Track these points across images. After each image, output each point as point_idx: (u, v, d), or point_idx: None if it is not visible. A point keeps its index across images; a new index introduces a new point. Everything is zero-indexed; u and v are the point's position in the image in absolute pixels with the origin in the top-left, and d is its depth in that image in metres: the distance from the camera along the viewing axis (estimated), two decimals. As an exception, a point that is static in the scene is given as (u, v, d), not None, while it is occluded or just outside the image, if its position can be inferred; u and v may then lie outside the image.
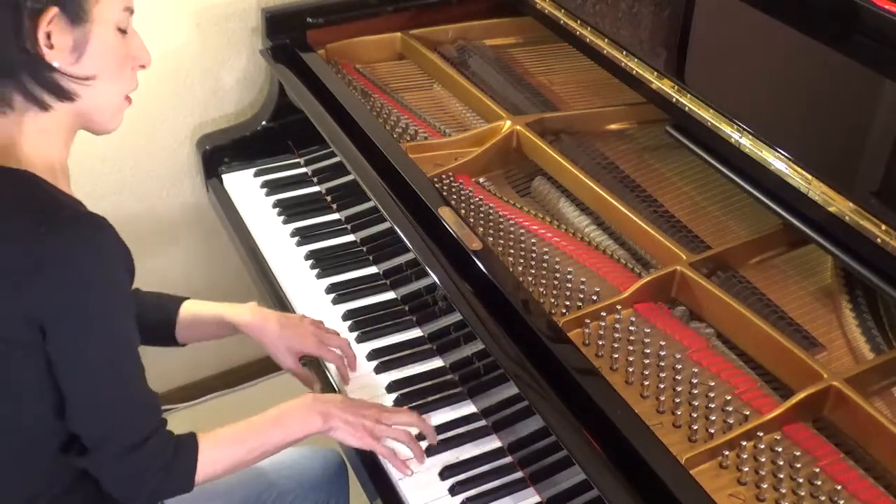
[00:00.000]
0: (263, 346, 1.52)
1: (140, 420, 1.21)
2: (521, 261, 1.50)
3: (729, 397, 1.25)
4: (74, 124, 1.21)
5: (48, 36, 1.11)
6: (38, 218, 1.11)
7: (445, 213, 1.48)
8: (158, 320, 1.50)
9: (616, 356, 1.33)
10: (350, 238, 1.82)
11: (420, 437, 1.39)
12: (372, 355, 1.57)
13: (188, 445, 1.24)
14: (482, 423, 1.44)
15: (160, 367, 2.31)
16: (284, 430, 1.32)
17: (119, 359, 1.18)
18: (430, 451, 1.39)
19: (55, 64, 1.13)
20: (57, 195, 1.17)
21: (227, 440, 1.28)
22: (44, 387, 1.16)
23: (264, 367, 2.45)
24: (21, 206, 1.14)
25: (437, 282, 1.44)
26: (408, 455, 1.37)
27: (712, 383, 1.29)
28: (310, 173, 1.99)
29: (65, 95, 1.16)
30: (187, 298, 1.52)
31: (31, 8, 1.09)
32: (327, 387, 1.54)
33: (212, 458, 1.25)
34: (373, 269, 1.74)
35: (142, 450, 1.19)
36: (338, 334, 1.55)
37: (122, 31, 1.19)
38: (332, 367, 1.54)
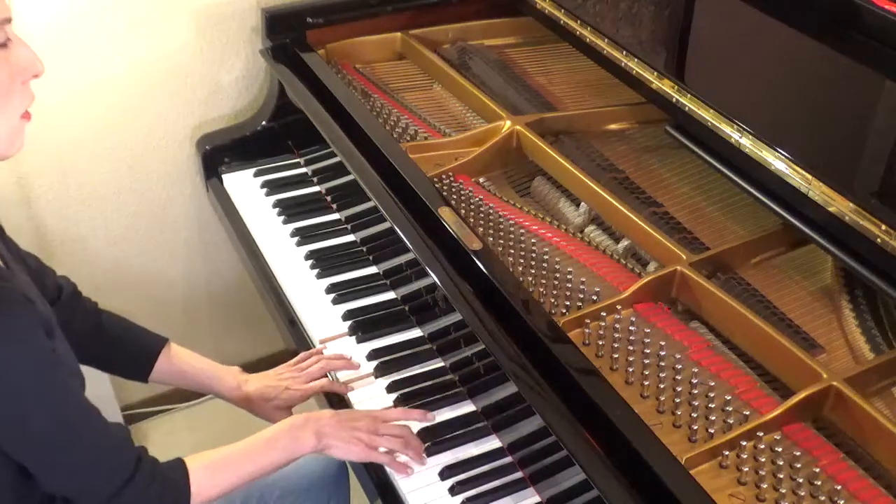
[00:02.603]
0: (251, 413, 1.52)
1: (114, 462, 1.17)
2: (521, 261, 1.50)
3: (729, 397, 1.25)
4: None
5: None
6: None
7: (445, 213, 1.48)
8: (136, 354, 1.48)
9: (616, 356, 1.33)
10: (350, 238, 1.82)
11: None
12: (372, 355, 1.57)
13: (177, 473, 1.22)
14: (482, 423, 1.44)
15: (160, 367, 2.31)
16: (278, 451, 1.31)
17: (70, 420, 1.13)
18: (430, 451, 1.40)
19: None
20: None
21: (221, 464, 1.27)
22: None
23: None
24: None
25: (437, 282, 1.44)
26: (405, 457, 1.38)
27: (712, 383, 1.29)
28: (310, 173, 1.99)
29: None
30: (168, 340, 1.50)
31: None
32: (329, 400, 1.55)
33: (207, 483, 1.24)
34: (373, 269, 1.74)
35: (130, 487, 1.16)
36: (320, 352, 1.56)
37: (3, 46, 1.06)
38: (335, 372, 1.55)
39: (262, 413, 1.52)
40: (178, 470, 1.23)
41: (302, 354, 1.57)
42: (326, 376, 1.54)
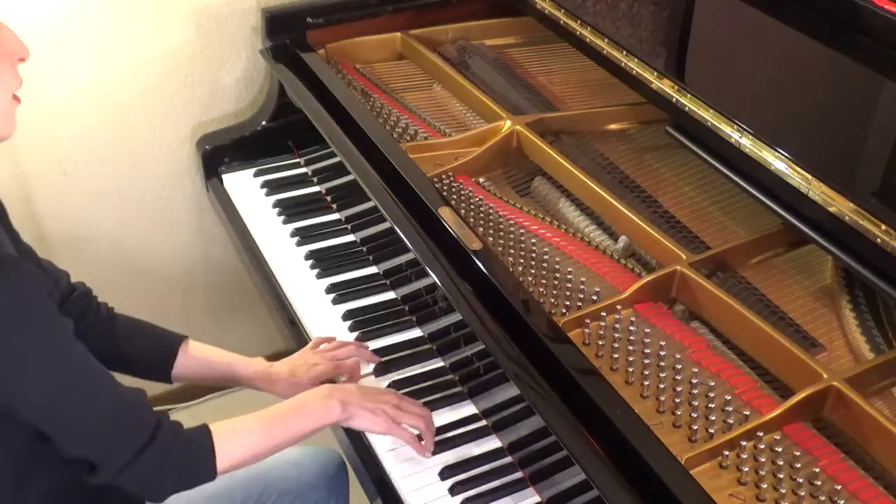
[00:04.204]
0: (284, 398, 1.50)
1: (133, 424, 1.18)
2: (521, 261, 1.50)
3: (729, 397, 1.25)
4: None
5: None
6: None
7: (445, 213, 1.48)
8: (154, 353, 1.48)
9: (616, 356, 1.33)
10: (350, 238, 1.82)
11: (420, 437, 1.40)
12: (372, 355, 1.57)
13: (201, 435, 1.23)
14: (482, 423, 1.44)
15: (160, 367, 2.31)
16: (305, 417, 1.31)
17: (82, 380, 1.14)
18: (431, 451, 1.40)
19: None
20: None
21: (247, 428, 1.27)
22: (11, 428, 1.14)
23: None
24: None
25: (437, 282, 1.44)
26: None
27: (712, 383, 1.29)
28: (310, 173, 1.99)
29: None
30: (186, 337, 1.50)
31: None
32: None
33: (232, 445, 1.24)
34: (373, 269, 1.74)
35: (149, 451, 1.16)
36: (335, 339, 1.57)
37: None
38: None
39: (293, 394, 1.48)
40: (201, 434, 1.23)
41: (317, 339, 1.57)
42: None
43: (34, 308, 1.10)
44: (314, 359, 1.52)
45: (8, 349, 1.07)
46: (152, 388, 2.27)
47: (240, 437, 1.26)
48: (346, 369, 1.52)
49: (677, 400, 1.27)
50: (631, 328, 1.37)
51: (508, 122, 1.72)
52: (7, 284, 1.07)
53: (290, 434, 1.30)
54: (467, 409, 1.47)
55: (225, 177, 2.03)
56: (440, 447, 1.40)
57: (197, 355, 1.50)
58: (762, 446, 1.20)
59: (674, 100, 1.52)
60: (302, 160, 2.03)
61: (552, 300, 1.42)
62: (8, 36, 1.14)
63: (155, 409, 1.21)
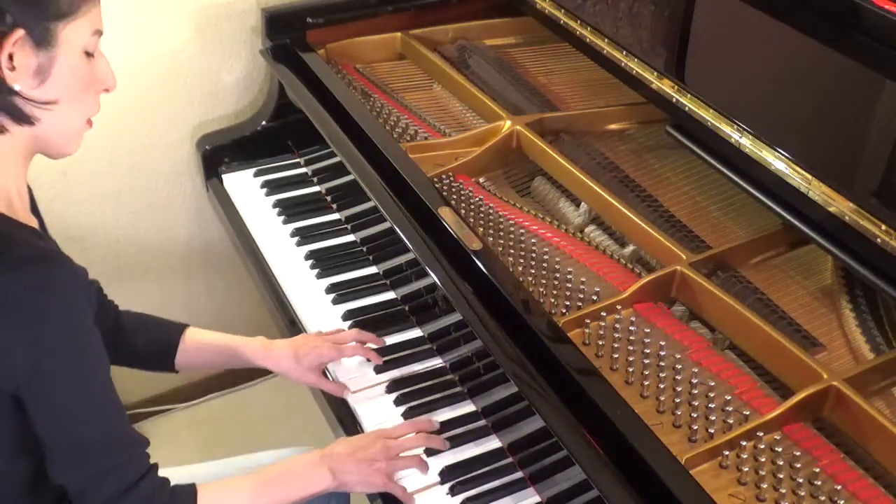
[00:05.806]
0: (283, 375, 1.52)
1: (131, 459, 1.16)
2: (521, 261, 1.50)
3: (729, 397, 1.25)
4: (32, 148, 1.17)
5: (10, 57, 1.06)
6: None
7: (445, 213, 1.48)
8: (157, 343, 1.48)
9: (616, 356, 1.33)
10: (350, 238, 1.82)
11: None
12: (372, 355, 1.57)
13: (186, 493, 1.21)
14: (482, 423, 1.44)
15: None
16: (293, 487, 1.29)
17: (94, 396, 1.14)
18: (430, 452, 1.39)
19: (16, 87, 1.08)
20: (8, 230, 1.11)
21: (233, 492, 1.25)
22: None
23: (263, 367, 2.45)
24: None
25: (437, 282, 1.44)
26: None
27: (712, 383, 1.29)
28: (310, 173, 1.99)
29: (24, 119, 1.11)
30: (188, 325, 1.50)
31: None
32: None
33: None
34: (373, 269, 1.74)
35: (137, 490, 1.15)
36: (342, 331, 1.57)
37: (90, 55, 1.15)
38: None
39: (294, 374, 1.49)
40: (187, 491, 1.21)
41: (318, 332, 1.57)
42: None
43: (70, 311, 1.10)
44: (317, 341, 1.51)
45: (35, 350, 1.07)
46: (154, 386, 2.29)
47: (225, 500, 1.24)
48: (351, 353, 1.52)
49: (677, 400, 1.27)
50: (631, 328, 1.37)
51: (508, 122, 1.72)
52: (45, 285, 1.08)
53: (276, 502, 1.28)
54: (467, 408, 1.47)
55: (225, 177, 2.03)
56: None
57: (196, 341, 1.49)
58: (762, 446, 1.20)
59: (674, 100, 1.52)
60: (302, 160, 2.03)
61: (552, 300, 1.42)
62: (103, 66, 1.20)
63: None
